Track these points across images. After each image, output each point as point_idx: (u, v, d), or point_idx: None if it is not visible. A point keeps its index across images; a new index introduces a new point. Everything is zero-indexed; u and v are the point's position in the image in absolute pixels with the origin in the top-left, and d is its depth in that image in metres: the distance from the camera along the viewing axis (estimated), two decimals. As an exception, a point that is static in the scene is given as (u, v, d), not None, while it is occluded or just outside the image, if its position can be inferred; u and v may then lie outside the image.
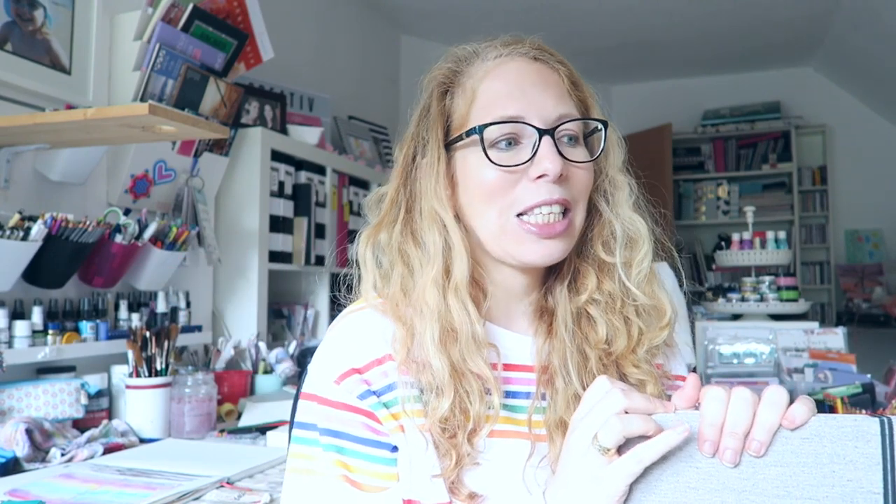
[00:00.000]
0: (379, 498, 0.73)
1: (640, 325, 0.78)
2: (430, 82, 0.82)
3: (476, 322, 0.74)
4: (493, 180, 0.75)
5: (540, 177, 0.73)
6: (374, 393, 0.74)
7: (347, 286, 0.84)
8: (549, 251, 0.75)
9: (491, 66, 0.78)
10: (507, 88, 0.76)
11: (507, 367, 0.78)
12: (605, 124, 0.79)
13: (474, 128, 0.75)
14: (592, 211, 0.81)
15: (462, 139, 0.77)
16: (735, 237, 2.86)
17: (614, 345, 0.77)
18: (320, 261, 2.62)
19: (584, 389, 0.72)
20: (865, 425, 0.58)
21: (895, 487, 0.57)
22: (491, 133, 0.75)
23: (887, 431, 0.58)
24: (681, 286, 0.89)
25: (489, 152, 0.74)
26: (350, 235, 2.76)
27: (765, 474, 0.59)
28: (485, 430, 0.72)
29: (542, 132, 0.74)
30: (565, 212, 0.75)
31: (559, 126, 0.75)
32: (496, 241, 0.76)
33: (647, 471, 0.60)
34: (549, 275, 0.82)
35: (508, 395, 0.77)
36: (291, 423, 0.93)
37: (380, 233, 0.81)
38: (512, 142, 0.75)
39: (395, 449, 0.75)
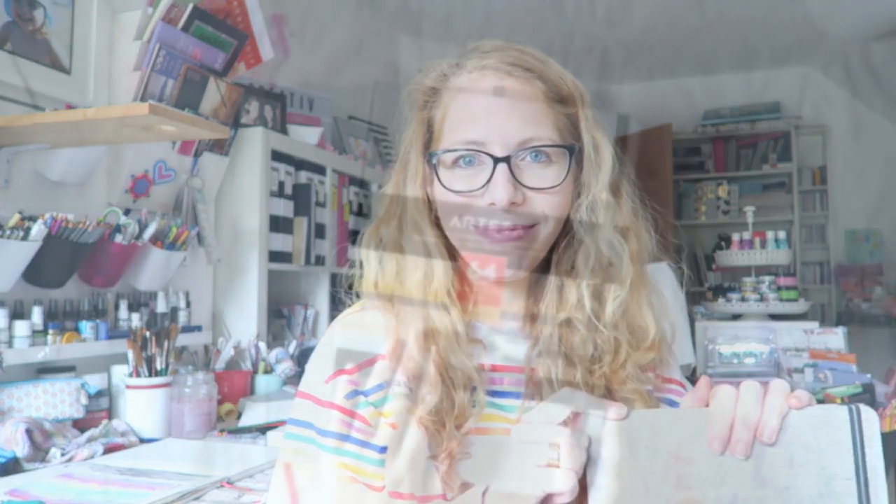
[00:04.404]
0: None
1: (626, 345, 0.77)
2: (409, 96, 0.83)
3: (457, 322, 0.76)
4: (451, 202, 0.77)
5: (492, 204, 0.74)
6: (362, 393, 0.77)
7: (349, 285, 0.86)
8: (500, 263, 0.75)
9: (465, 82, 0.78)
10: (472, 110, 0.76)
11: (496, 367, 0.78)
12: (572, 149, 0.77)
13: (432, 153, 0.78)
14: (572, 229, 0.80)
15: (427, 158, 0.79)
16: (735, 237, 2.86)
17: (600, 362, 0.77)
18: (320, 261, 2.62)
19: None
20: (835, 413, 0.59)
21: (866, 472, 0.58)
22: (450, 155, 0.76)
23: (855, 418, 0.59)
24: (681, 287, 0.89)
25: (448, 173, 0.77)
26: (351, 235, 2.78)
27: (742, 467, 0.60)
28: (470, 420, 0.73)
29: (496, 160, 0.73)
30: (530, 227, 0.75)
31: (520, 150, 0.74)
32: (462, 249, 0.79)
33: (641, 475, 0.61)
34: (537, 285, 0.82)
35: (498, 394, 0.77)
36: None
37: (380, 230, 0.83)
38: (473, 160, 0.76)
39: (383, 450, 0.76)
